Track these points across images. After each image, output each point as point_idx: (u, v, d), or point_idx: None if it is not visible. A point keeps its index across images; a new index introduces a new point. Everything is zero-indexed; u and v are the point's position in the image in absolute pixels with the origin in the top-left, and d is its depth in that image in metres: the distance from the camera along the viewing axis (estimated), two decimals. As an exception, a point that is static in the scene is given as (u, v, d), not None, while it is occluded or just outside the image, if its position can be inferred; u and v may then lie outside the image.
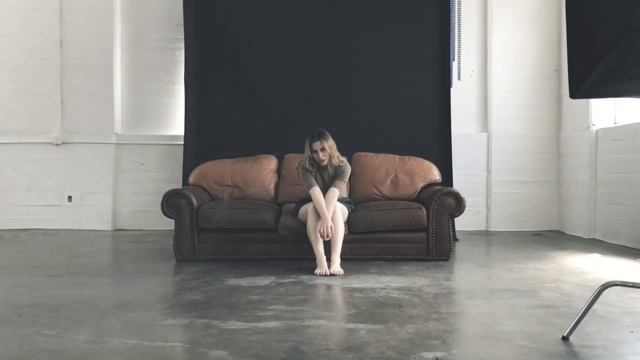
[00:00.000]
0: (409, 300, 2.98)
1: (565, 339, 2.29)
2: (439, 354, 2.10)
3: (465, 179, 6.20)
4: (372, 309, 2.80)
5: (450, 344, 2.24)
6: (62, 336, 2.34)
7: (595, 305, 2.74)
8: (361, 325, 2.50)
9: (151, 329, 2.45)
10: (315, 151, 4.11)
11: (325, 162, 4.13)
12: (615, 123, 5.54)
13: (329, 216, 3.87)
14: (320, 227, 3.84)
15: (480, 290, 3.33)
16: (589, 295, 2.78)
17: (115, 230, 6.42)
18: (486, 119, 6.40)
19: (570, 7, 2.36)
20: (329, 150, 4.12)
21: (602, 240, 5.38)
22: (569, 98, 2.36)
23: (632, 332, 2.40)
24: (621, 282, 2.41)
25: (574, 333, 2.32)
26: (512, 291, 3.26)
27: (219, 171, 4.99)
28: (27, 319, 2.61)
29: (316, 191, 3.99)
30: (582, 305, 2.40)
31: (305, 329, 2.45)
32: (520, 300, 3.03)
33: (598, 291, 2.32)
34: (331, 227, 3.85)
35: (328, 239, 3.86)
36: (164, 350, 2.17)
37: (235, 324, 2.51)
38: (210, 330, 2.41)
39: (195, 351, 2.14)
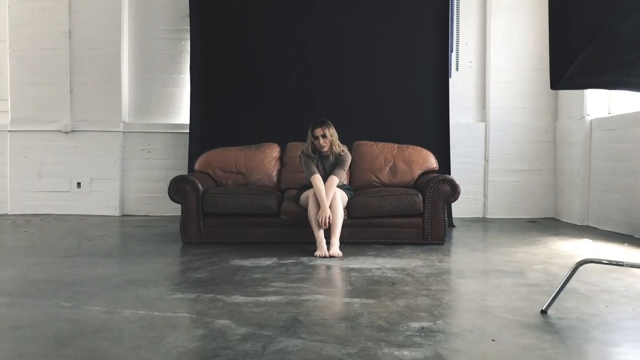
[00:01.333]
0: (402, 279, 3.17)
1: (543, 312, 2.47)
2: (425, 324, 2.29)
3: (463, 167, 6.37)
4: (366, 286, 2.99)
5: (436, 316, 2.43)
6: (79, 307, 2.54)
7: (577, 284, 2.95)
8: (355, 300, 2.70)
9: (160, 302, 2.65)
10: (317, 137, 4.29)
11: (326, 149, 4.31)
12: (609, 113, 5.69)
13: (327, 205, 4.05)
14: (319, 216, 4.03)
15: (470, 271, 3.51)
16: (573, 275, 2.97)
17: (123, 215, 6.62)
18: (484, 109, 6.55)
19: (552, 5, 2.53)
20: (330, 137, 4.30)
21: (594, 227, 5.55)
22: (550, 89, 2.53)
23: (607, 307, 2.58)
24: (596, 259, 2.58)
25: (552, 307, 2.51)
26: (501, 272, 3.44)
27: (224, 158, 5.17)
28: (46, 293, 2.81)
29: (317, 178, 4.18)
30: (559, 281, 2.57)
31: (303, 302, 2.65)
32: (507, 279, 3.22)
33: (574, 268, 2.50)
34: (329, 217, 4.03)
35: (326, 227, 4.04)
36: (173, 319, 2.36)
37: (238, 298, 2.70)
38: (215, 303, 2.61)
39: (201, 320, 2.33)
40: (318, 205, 4.09)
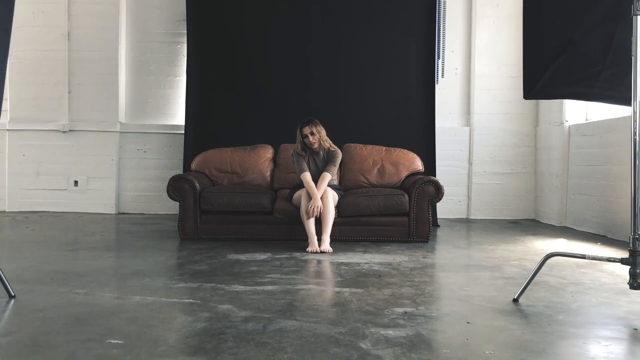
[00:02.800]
0: (388, 272, 3.42)
1: (515, 301, 2.74)
2: (408, 309, 2.54)
3: (448, 170, 6.66)
4: (355, 278, 3.24)
5: (418, 303, 2.68)
6: (92, 294, 2.76)
7: (548, 278, 3.23)
8: (345, 289, 2.95)
9: (166, 290, 2.88)
10: (306, 135, 4.56)
11: (315, 145, 4.57)
12: (586, 120, 5.99)
13: (318, 196, 4.31)
14: (310, 206, 4.27)
15: (451, 265, 3.78)
16: (545, 270, 3.26)
17: (119, 213, 6.81)
18: (469, 114, 6.84)
19: (526, 23, 2.81)
20: (317, 134, 4.57)
21: (572, 228, 5.84)
22: (523, 99, 2.80)
23: (572, 296, 2.85)
24: (562, 253, 2.85)
25: (523, 297, 2.77)
26: (480, 266, 3.71)
27: (220, 159, 5.40)
28: (58, 281, 3.03)
29: (307, 175, 4.45)
30: (535, 275, 2.83)
31: (297, 291, 2.89)
32: (485, 273, 3.48)
33: (542, 260, 2.77)
34: (320, 207, 4.28)
35: (316, 216, 4.29)
36: (180, 304, 2.60)
37: (238, 287, 2.94)
38: (217, 291, 2.84)
39: (206, 305, 2.56)
40: (309, 202, 4.34)
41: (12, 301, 2.59)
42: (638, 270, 2.43)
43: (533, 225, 6.16)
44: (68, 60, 6.86)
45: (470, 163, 6.80)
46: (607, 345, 2.09)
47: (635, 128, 2.47)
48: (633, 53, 2.43)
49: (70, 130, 6.86)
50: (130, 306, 2.54)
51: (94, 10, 6.85)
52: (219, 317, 2.35)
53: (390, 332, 2.18)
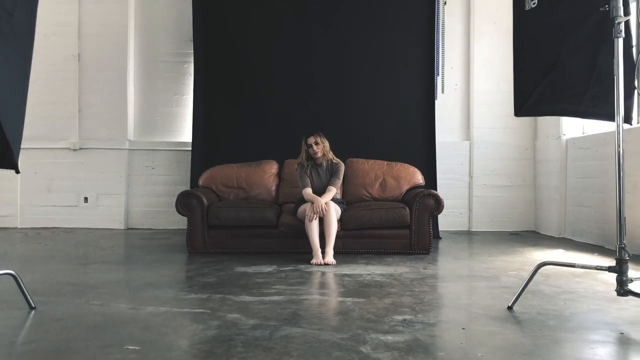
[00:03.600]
0: (389, 283, 3.56)
1: (509, 308, 2.87)
2: (407, 317, 2.68)
3: (449, 183, 6.80)
4: (357, 288, 3.38)
5: (417, 311, 2.82)
6: (107, 305, 2.91)
7: (543, 287, 3.36)
8: (348, 299, 3.09)
9: (177, 301, 3.03)
10: (310, 145, 4.75)
11: (319, 154, 4.76)
12: (583, 133, 6.14)
13: (321, 199, 4.49)
14: (314, 206, 4.44)
15: (450, 276, 3.92)
16: (539, 279, 3.39)
17: (128, 229, 6.97)
18: (469, 128, 6.99)
19: (515, 45, 2.98)
20: (321, 144, 4.78)
21: (570, 239, 5.97)
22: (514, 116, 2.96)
23: (565, 304, 2.98)
24: (553, 262, 2.99)
25: (518, 304, 2.90)
26: (478, 277, 3.84)
27: (226, 174, 5.57)
28: (74, 293, 3.19)
29: (308, 191, 4.65)
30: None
31: (302, 301, 3.03)
32: (483, 283, 3.62)
33: (535, 269, 2.90)
34: (323, 206, 4.45)
35: (321, 216, 4.46)
36: (191, 314, 2.74)
37: (245, 298, 3.09)
38: (225, 302, 2.99)
39: (215, 314, 2.71)
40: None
41: (33, 312, 2.75)
42: (624, 278, 2.57)
43: (533, 237, 6.28)
44: (78, 80, 7.07)
45: (470, 176, 6.94)
46: (593, 348, 2.22)
47: (618, 142, 2.62)
48: (615, 73, 2.59)
49: (80, 148, 7.05)
50: (143, 316, 2.69)
51: (103, 32, 7.07)
52: (228, 325, 2.50)
53: (390, 338, 2.32)
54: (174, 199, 5.02)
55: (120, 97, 7.07)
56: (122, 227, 6.98)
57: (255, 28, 6.57)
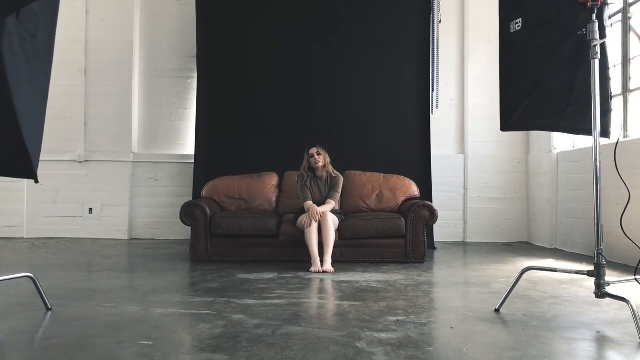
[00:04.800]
0: (384, 288, 3.75)
1: (497, 311, 3.06)
2: (400, 318, 2.87)
3: (444, 195, 7.01)
4: (354, 293, 3.57)
5: (410, 313, 3.01)
6: (119, 307, 3.10)
7: (531, 292, 3.56)
8: (345, 302, 3.27)
9: (184, 304, 3.22)
10: (312, 155, 4.98)
11: (320, 164, 4.98)
12: (573, 147, 6.35)
13: (318, 209, 4.71)
14: (310, 213, 4.66)
15: (443, 283, 4.11)
16: (528, 285, 3.59)
17: (131, 239, 7.16)
18: (463, 142, 7.21)
19: (501, 65, 3.21)
20: (323, 154, 4.98)
21: (561, 250, 6.16)
22: (500, 130, 3.17)
23: (549, 307, 3.17)
24: (536, 267, 3.18)
25: (505, 308, 3.09)
26: (469, 283, 4.03)
27: (228, 186, 5.78)
28: (87, 297, 3.37)
29: (309, 202, 4.82)
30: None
31: (302, 304, 3.22)
32: (473, 289, 3.81)
33: (520, 273, 3.10)
34: (319, 213, 4.67)
35: (316, 221, 4.66)
36: (198, 315, 2.93)
37: (248, 301, 3.27)
38: (230, 304, 3.17)
39: (221, 315, 2.89)
40: (313, 228, 4.69)
41: (50, 313, 2.93)
42: (602, 281, 2.76)
43: (526, 248, 6.47)
44: (84, 94, 7.30)
45: (465, 189, 7.14)
46: (569, 344, 2.41)
47: (596, 155, 2.83)
48: (592, 92, 2.81)
49: (85, 161, 7.25)
50: (154, 316, 2.88)
51: (109, 47, 7.31)
52: (233, 325, 2.69)
53: (383, 335, 2.51)
54: (177, 210, 5.21)
55: (125, 111, 7.29)
56: (125, 237, 7.17)
57: (256, 45, 6.81)
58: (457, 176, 7.17)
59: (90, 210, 7.24)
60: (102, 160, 7.27)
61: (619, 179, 2.93)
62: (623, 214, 2.96)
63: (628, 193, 2.95)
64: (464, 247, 6.61)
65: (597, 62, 2.80)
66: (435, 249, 6.28)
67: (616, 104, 5.39)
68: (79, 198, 7.25)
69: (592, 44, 2.78)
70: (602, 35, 2.82)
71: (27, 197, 7.21)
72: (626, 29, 5.29)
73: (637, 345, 2.38)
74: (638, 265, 2.88)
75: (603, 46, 2.85)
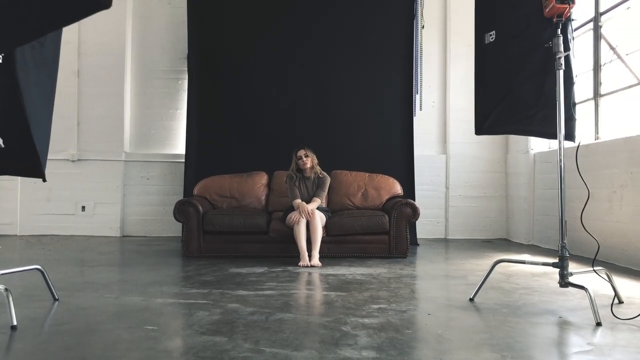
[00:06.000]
0: (369, 281, 4.01)
1: (471, 300, 3.33)
2: (382, 306, 3.13)
3: (427, 194, 7.29)
4: (340, 285, 3.83)
5: (391, 302, 3.27)
6: (121, 298, 3.32)
7: (505, 284, 3.84)
8: (332, 293, 3.53)
9: (183, 294, 3.45)
10: (300, 157, 5.22)
11: (307, 166, 5.23)
12: (549, 148, 6.66)
13: (307, 207, 4.97)
14: (300, 210, 4.92)
15: (423, 275, 4.37)
16: (502, 278, 3.87)
17: (124, 236, 7.35)
18: (445, 143, 7.50)
19: (476, 74, 3.47)
20: (311, 156, 5.22)
21: (538, 246, 6.47)
22: (474, 134, 3.44)
23: (520, 297, 3.45)
24: (507, 259, 3.46)
25: (479, 297, 3.37)
26: (448, 276, 4.31)
27: (219, 184, 6.00)
28: (89, 289, 3.59)
29: (298, 200, 5.07)
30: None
31: (292, 294, 3.47)
32: (451, 281, 4.08)
33: (492, 265, 3.37)
34: (308, 210, 4.91)
35: (307, 219, 4.91)
36: (196, 304, 3.16)
37: (242, 292, 3.51)
38: (225, 295, 3.41)
39: (217, 304, 3.13)
40: (302, 224, 4.94)
41: (57, 303, 3.15)
42: (565, 272, 3.04)
43: (504, 244, 6.77)
44: (77, 95, 7.47)
45: (447, 187, 7.43)
46: (533, 327, 2.68)
47: (560, 157, 3.11)
48: (557, 99, 3.08)
49: (78, 160, 7.43)
50: (155, 306, 3.11)
51: (101, 50, 7.48)
52: (230, 312, 2.93)
53: (366, 320, 2.76)
54: (168, 208, 5.43)
55: (117, 111, 7.47)
56: (118, 234, 7.35)
57: (244, 48, 7.03)
58: (439, 175, 7.46)
59: (83, 208, 7.42)
60: (95, 159, 7.45)
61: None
62: (583, 210, 3.25)
63: (587, 192, 3.23)
64: (445, 243, 6.89)
65: (561, 72, 3.07)
66: (418, 245, 6.55)
67: (588, 108, 5.72)
68: (72, 196, 7.42)
69: (557, 56, 3.05)
70: (566, 48, 3.10)
71: (20, 195, 7.37)
72: (597, 37, 5.59)
73: (593, 327, 2.67)
74: (595, 257, 3.17)
75: (567, 58, 3.13)
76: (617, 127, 5.39)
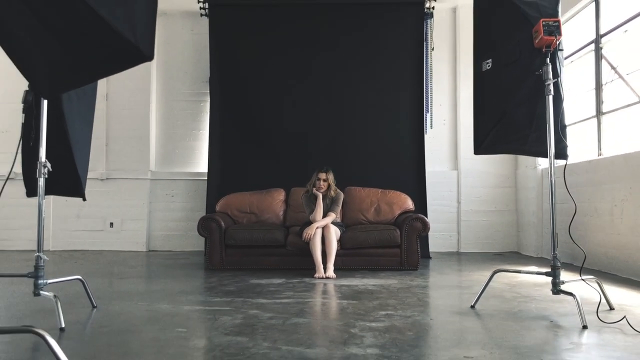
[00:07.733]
0: (379, 291, 4.31)
1: (472, 307, 3.61)
2: (389, 312, 3.42)
3: (439, 208, 7.57)
4: (352, 294, 4.13)
5: (398, 309, 3.56)
6: (153, 305, 3.67)
7: (506, 293, 4.10)
8: (344, 301, 3.83)
9: (208, 302, 3.78)
10: (319, 179, 5.54)
11: (323, 190, 5.53)
12: (556, 164, 6.88)
13: (315, 227, 5.27)
14: (305, 231, 5.26)
15: (432, 286, 4.65)
16: (505, 287, 4.13)
17: (149, 251, 7.73)
18: (456, 159, 7.78)
19: (474, 98, 3.77)
20: (329, 181, 5.55)
21: (546, 258, 6.68)
22: (473, 154, 3.74)
23: (518, 304, 3.72)
24: (505, 269, 3.74)
25: (479, 305, 3.64)
26: (455, 286, 4.58)
27: (240, 201, 6.36)
28: (123, 298, 3.94)
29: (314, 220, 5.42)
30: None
31: (308, 302, 3.79)
32: (457, 290, 4.35)
33: (491, 275, 3.65)
34: (309, 235, 5.24)
35: (305, 241, 5.24)
36: (220, 310, 3.49)
37: (261, 300, 3.84)
38: (246, 302, 3.74)
39: (239, 310, 3.46)
40: (317, 238, 5.26)
41: (95, 309, 3.51)
42: (557, 280, 3.31)
43: (514, 257, 7.00)
44: (106, 117, 7.92)
45: (459, 202, 7.70)
46: (526, 330, 2.96)
47: (551, 173, 3.40)
48: (547, 122, 3.38)
49: (107, 178, 7.86)
50: (183, 312, 3.44)
51: (129, 74, 7.75)
52: (250, 317, 3.25)
53: (373, 324, 3.06)
54: (191, 224, 5.78)
55: (144, 132, 7.90)
56: (144, 249, 7.74)
57: (264, 71, 7.42)
58: (451, 191, 7.73)
59: (112, 224, 7.82)
60: (123, 177, 7.87)
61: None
62: (570, 223, 3.53)
63: (574, 206, 3.51)
64: (457, 256, 7.14)
65: (550, 97, 3.37)
66: (430, 258, 6.82)
67: (590, 126, 5.98)
68: (101, 213, 7.84)
69: (546, 83, 3.35)
70: (555, 75, 3.40)
71: (52, 212, 7.81)
72: (598, 57, 5.86)
73: (579, 330, 2.93)
74: (582, 266, 3.44)
75: (556, 84, 3.42)
76: (619, 144, 5.63)
